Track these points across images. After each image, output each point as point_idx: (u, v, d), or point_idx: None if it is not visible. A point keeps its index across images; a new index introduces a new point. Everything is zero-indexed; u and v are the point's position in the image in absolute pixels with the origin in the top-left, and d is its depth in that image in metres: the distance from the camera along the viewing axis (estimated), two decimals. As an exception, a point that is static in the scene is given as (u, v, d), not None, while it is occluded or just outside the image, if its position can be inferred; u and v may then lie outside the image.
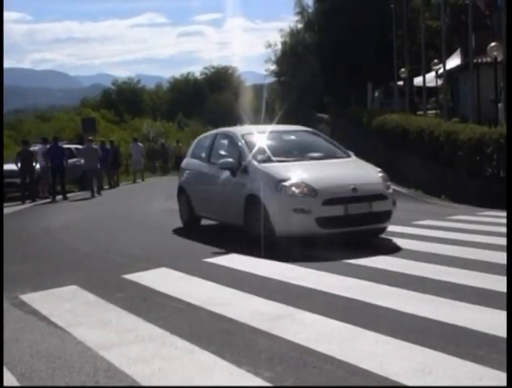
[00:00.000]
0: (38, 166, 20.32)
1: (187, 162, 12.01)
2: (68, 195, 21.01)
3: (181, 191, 11.67)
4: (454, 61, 31.32)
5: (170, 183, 19.83)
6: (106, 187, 24.67)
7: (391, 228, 9.83)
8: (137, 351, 4.37)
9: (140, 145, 29.69)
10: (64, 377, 3.97)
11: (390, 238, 8.90)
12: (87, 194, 21.02)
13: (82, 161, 22.22)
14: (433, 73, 31.81)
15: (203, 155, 11.29)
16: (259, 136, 10.19)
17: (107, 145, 25.62)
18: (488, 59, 22.72)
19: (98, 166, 21.76)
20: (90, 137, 23.92)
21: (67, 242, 10.50)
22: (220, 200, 9.96)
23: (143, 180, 28.36)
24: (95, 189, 21.07)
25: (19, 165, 19.60)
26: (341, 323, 4.77)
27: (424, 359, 3.93)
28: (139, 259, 8.30)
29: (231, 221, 9.67)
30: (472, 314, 4.89)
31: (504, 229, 8.71)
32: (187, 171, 11.71)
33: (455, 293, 5.50)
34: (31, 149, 21.20)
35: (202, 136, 12.49)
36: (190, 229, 10.87)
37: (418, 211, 13.59)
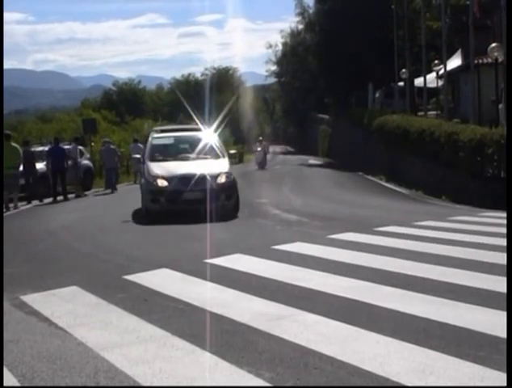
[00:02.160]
0: (41, 165, 20.37)
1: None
2: (88, 192, 22.51)
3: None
4: (454, 62, 31.32)
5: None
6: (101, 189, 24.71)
7: (392, 229, 9.85)
8: (138, 352, 4.37)
9: (141, 145, 29.75)
10: (64, 377, 3.97)
11: (391, 238, 8.90)
12: (107, 190, 23.19)
13: (85, 161, 23.59)
14: (433, 74, 31.80)
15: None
16: None
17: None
18: (489, 60, 22.71)
19: (119, 165, 24.84)
20: (108, 139, 27.09)
21: (68, 243, 10.50)
22: None
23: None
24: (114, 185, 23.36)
25: (22, 166, 19.57)
26: (341, 324, 4.77)
27: (425, 359, 3.93)
28: (139, 259, 8.30)
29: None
30: (473, 314, 4.89)
31: (504, 230, 8.71)
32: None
33: (456, 294, 5.50)
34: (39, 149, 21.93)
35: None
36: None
37: (419, 212, 13.59)
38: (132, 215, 13.70)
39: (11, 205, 17.23)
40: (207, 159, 13.56)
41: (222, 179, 12.80)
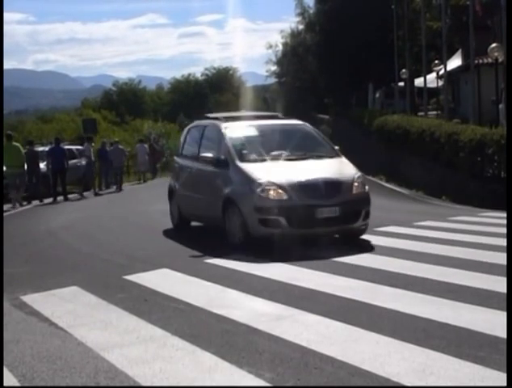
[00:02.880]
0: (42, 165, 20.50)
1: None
2: (100, 191, 22.96)
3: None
4: (455, 62, 31.35)
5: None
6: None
7: (392, 229, 9.86)
8: (138, 352, 4.37)
9: (146, 146, 29.90)
10: (65, 377, 3.98)
11: (391, 238, 8.90)
12: (112, 190, 23.92)
13: (83, 162, 23.06)
14: (434, 74, 31.83)
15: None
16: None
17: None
18: (489, 60, 22.74)
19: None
20: (116, 139, 28.84)
21: (68, 243, 10.50)
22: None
23: (144, 181, 28.37)
24: (118, 184, 24.14)
25: (26, 166, 19.70)
26: (342, 324, 4.77)
27: (425, 360, 3.93)
28: (140, 259, 8.30)
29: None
30: (473, 314, 4.89)
31: (504, 230, 8.71)
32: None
33: (456, 294, 5.50)
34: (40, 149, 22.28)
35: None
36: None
37: (419, 212, 13.59)
38: (164, 233, 10.70)
39: (10, 205, 17.31)
40: (322, 158, 9.42)
41: (358, 188, 8.80)
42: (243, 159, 9.08)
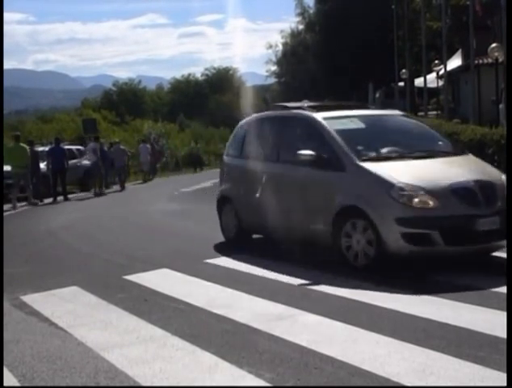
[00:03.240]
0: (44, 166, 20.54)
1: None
2: (105, 190, 22.91)
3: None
4: (455, 62, 31.35)
5: (173, 183, 19.82)
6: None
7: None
8: (138, 352, 4.37)
9: (148, 146, 29.94)
10: (65, 377, 3.98)
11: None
12: (112, 190, 23.99)
13: (85, 161, 23.19)
14: (434, 74, 31.83)
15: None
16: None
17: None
18: (489, 60, 22.74)
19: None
20: (117, 140, 28.85)
21: (68, 243, 10.49)
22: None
23: (145, 181, 28.38)
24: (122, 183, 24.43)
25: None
26: (342, 324, 4.77)
27: (425, 360, 3.93)
28: (140, 259, 8.30)
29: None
30: (473, 314, 4.90)
31: (505, 230, 8.69)
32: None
33: (456, 294, 5.49)
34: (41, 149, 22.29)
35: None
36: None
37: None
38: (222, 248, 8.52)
39: (10, 205, 17.32)
40: (451, 156, 7.60)
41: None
42: (361, 158, 7.14)
